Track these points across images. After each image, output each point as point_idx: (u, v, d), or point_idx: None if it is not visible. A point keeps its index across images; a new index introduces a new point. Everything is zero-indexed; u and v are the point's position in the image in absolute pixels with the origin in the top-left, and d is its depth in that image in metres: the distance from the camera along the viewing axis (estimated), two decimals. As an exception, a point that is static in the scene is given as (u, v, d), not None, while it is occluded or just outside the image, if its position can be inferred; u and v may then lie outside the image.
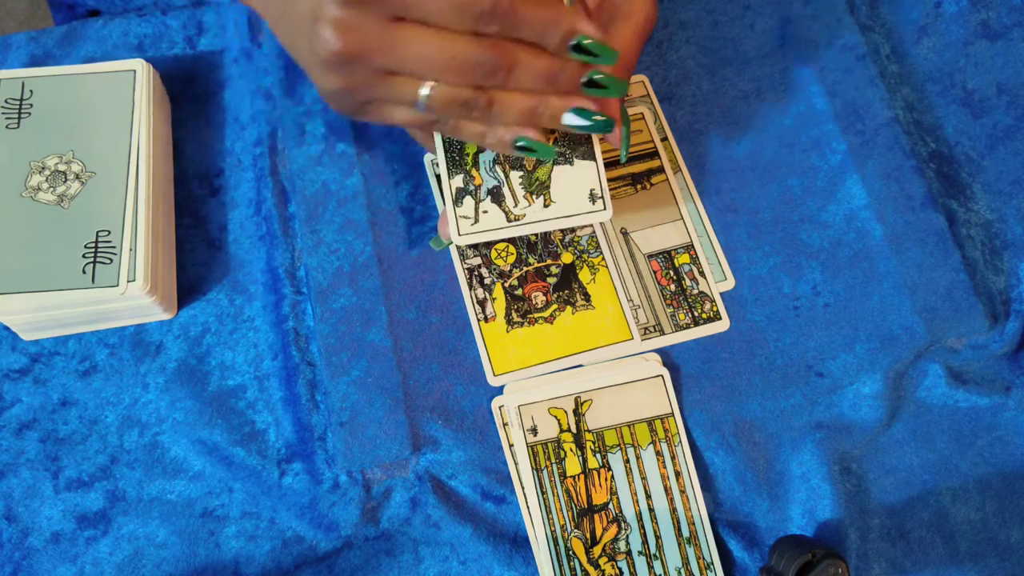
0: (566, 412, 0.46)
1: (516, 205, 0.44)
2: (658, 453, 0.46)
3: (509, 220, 0.43)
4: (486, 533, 0.45)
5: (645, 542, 0.45)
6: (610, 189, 0.47)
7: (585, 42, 0.35)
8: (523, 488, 0.45)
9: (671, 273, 0.49)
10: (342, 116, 0.44)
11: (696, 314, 0.48)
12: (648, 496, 0.45)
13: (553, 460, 0.45)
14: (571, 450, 0.45)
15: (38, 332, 0.47)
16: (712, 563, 0.44)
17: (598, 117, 0.38)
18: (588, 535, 0.45)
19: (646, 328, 0.48)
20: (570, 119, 0.37)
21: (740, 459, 0.46)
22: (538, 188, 0.44)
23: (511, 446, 0.46)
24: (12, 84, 0.48)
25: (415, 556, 0.45)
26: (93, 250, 0.44)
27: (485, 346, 0.47)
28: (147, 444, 0.46)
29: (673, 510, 0.45)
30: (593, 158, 0.44)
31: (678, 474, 0.46)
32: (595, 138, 0.44)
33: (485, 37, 0.34)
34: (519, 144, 0.38)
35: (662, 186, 0.50)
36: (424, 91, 0.36)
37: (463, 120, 0.38)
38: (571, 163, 0.44)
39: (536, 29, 0.35)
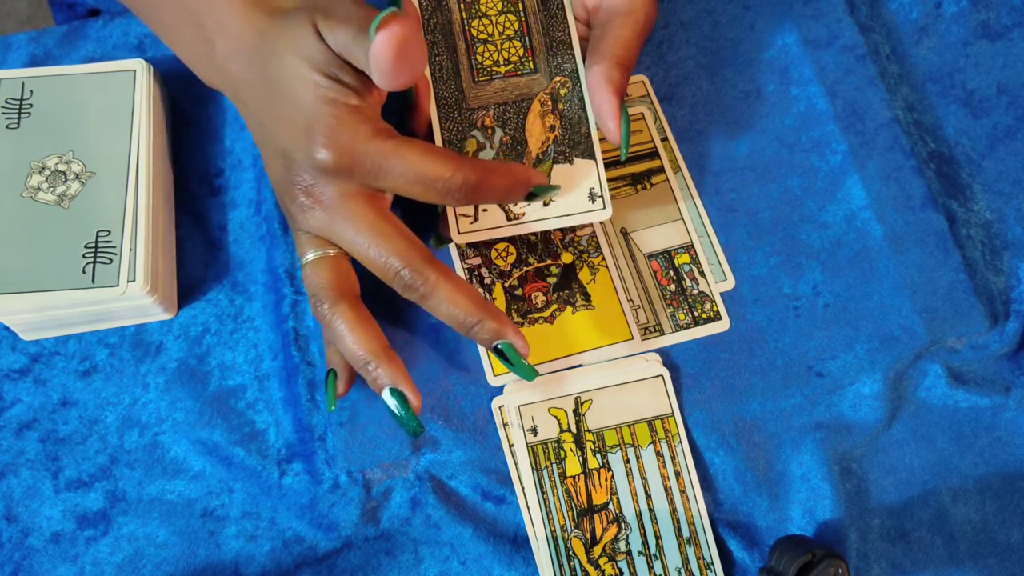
0: (566, 412, 0.46)
1: (515, 204, 0.44)
2: (658, 453, 0.46)
3: (508, 219, 0.43)
4: (486, 533, 0.45)
5: (645, 542, 0.45)
6: (610, 189, 0.47)
7: (536, 191, 0.41)
8: (523, 488, 0.45)
9: (671, 273, 0.49)
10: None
11: (696, 314, 0.48)
12: (648, 496, 0.45)
13: (553, 460, 0.45)
14: (571, 450, 0.45)
15: (38, 332, 0.47)
16: (712, 563, 0.44)
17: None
18: (588, 535, 0.45)
19: (646, 328, 0.48)
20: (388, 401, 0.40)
21: (740, 459, 0.46)
22: (538, 187, 0.44)
23: (511, 446, 0.46)
24: (12, 84, 0.48)
25: (415, 556, 0.45)
26: (93, 250, 0.45)
27: (485, 346, 0.47)
28: (147, 444, 0.46)
29: (673, 510, 0.45)
30: (593, 157, 0.44)
31: (678, 474, 0.46)
32: (595, 137, 0.44)
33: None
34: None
35: (662, 186, 0.50)
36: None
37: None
38: (571, 162, 0.44)
39: (499, 196, 0.40)
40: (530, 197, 0.41)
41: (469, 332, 0.40)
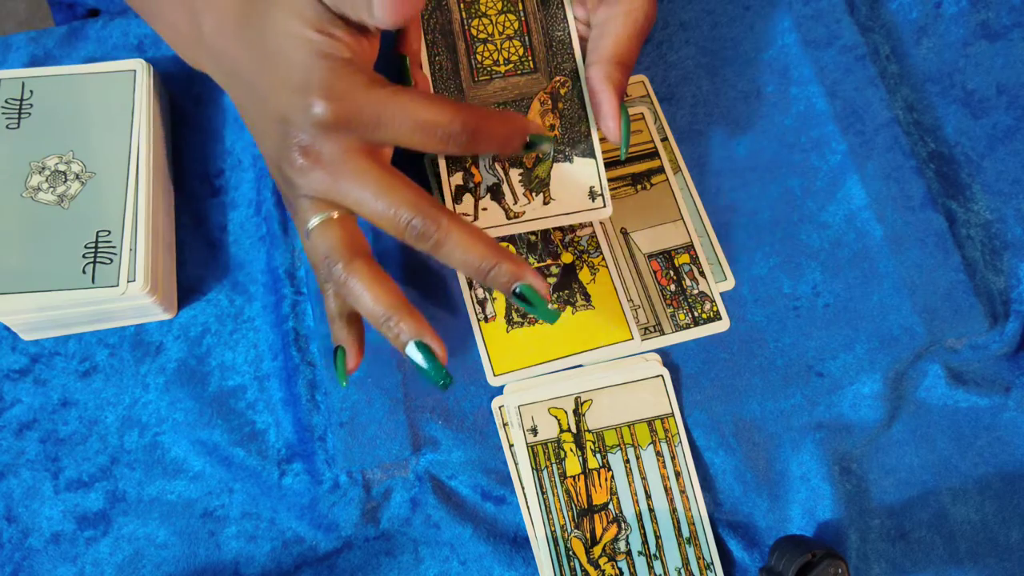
0: (566, 412, 0.46)
1: (516, 203, 0.44)
2: (658, 453, 0.46)
3: (509, 218, 0.43)
4: (486, 533, 0.45)
5: (645, 542, 0.45)
6: (610, 189, 0.47)
7: (533, 139, 0.40)
8: (523, 488, 0.45)
9: (671, 273, 0.49)
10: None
11: (696, 314, 0.48)
12: (648, 496, 0.45)
13: (553, 460, 0.45)
14: (571, 450, 0.45)
15: (38, 332, 0.47)
16: (712, 563, 0.44)
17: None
18: (588, 535, 0.45)
19: (646, 328, 0.48)
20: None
21: (740, 459, 0.46)
22: (538, 185, 0.44)
23: (511, 446, 0.46)
24: (12, 84, 0.48)
25: (415, 556, 0.45)
26: (93, 250, 0.44)
27: (485, 346, 0.47)
28: (147, 444, 0.46)
29: (673, 510, 0.45)
30: (593, 156, 0.44)
31: (678, 474, 0.46)
32: (595, 135, 0.44)
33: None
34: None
35: (662, 186, 0.50)
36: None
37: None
38: (571, 161, 0.44)
39: (498, 143, 0.39)
40: (528, 147, 0.40)
41: (486, 277, 0.38)
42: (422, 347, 0.38)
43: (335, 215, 0.39)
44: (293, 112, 0.37)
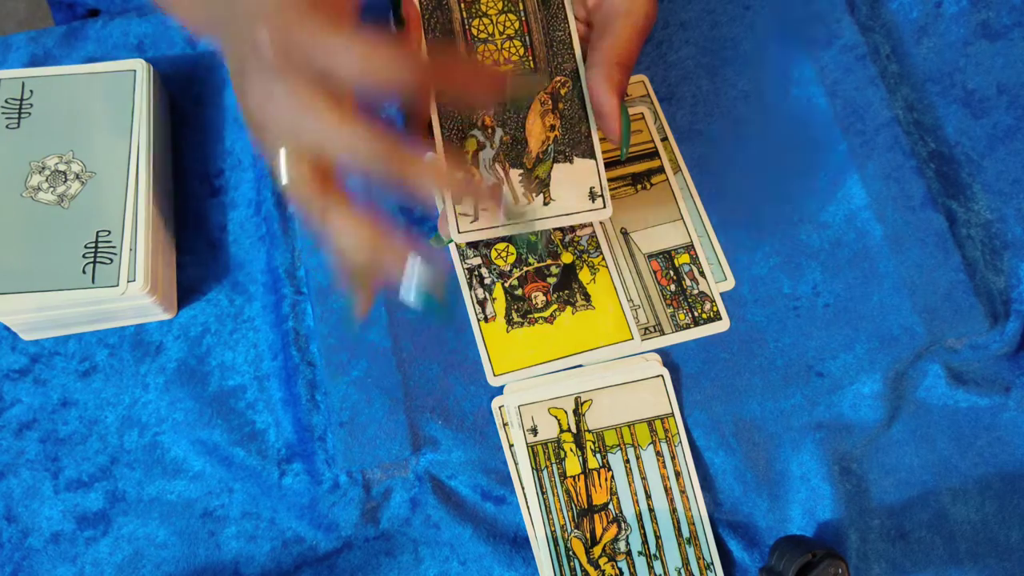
0: (566, 412, 0.46)
1: (515, 203, 0.44)
2: (658, 453, 0.46)
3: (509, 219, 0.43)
4: (486, 533, 0.45)
5: (645, 542, 0.45)
6: (610, 189, 0.47)
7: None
8: (523, 488, 0.45)
9: (671, 273, 0.49)
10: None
11: (696, 314, 0.48)
12: (648, 496, 0.45)
13: (553, 460, 0.45)
14: (571, 450, 0.45)
15: (38, 332, 0.47)
16: (712, 563, 0.44)
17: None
18: (588, 535, 0.45)
19: (646, 328, 0.48)
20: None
21: (740, 459, 0.46)
22: (537, 186, 0.44)
23: (511, 446, 0.46)
24: (12, 84, 0.48)
25: (415, 556, 0.45)
26: (93, 250, 0.44)
27: (485, 346, 0.47)
28: (147, 444, 0.46)
29: (673, 510, 0.45)
30: (593, 156, 0.44)
31: (678, 474, 0.46)
32: (595, 136, 0.44)
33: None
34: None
35: (662, 186, 0.50)
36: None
37: None
38: (571, 161, 0.44)
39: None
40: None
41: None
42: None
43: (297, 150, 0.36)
44: (242, 45, 0.35)
